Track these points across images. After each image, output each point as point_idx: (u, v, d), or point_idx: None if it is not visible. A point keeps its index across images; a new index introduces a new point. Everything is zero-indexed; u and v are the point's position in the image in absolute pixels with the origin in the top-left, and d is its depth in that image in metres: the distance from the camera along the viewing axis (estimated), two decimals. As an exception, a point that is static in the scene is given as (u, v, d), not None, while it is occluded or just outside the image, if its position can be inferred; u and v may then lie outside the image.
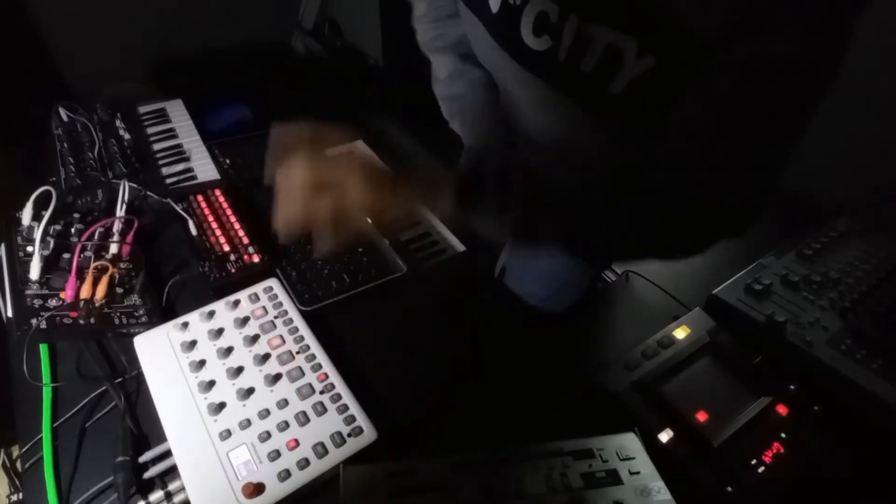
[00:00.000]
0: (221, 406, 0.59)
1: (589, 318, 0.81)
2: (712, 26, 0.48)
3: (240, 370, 0.63)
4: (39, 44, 1.52)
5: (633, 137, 0.59)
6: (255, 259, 0.78)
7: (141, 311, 0.69)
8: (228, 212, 0.84)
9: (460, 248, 0.91)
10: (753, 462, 0.57)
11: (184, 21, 1.65)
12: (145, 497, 0.54)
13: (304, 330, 0.68)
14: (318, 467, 0.55)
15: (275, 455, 0.56)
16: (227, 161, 1.00)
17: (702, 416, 0.60)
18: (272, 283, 0.73)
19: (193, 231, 0.81)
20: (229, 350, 0.65)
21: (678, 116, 0.53)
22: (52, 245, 0.72)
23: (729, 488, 0.54)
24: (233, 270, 0.76)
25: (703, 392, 0.63)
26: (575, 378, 0.66)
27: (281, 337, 0.67)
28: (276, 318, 0.69)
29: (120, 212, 0.80)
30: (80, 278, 0.69)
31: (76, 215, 0.78)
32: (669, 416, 0.60)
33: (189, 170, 0.96)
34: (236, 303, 0.70)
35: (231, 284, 0.73)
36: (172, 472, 0.56)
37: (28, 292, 0.67)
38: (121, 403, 0.60)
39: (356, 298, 0.78)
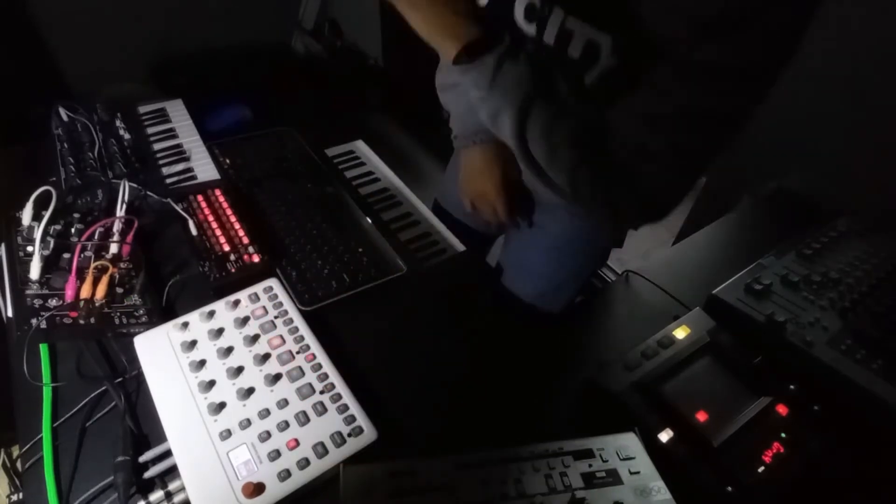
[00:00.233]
0: (221, 406, 0.59)
1: (589, 318, 0.81)
2: (671, 31, 0.54)
3: (240, 370, 0.63)
4: (39, 44, 1.52)
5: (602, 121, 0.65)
6: (255, 259, 0.78)
7: (141, 311, 0.69)
8: (228, 212, 0.84)
9: (460, 247, 0.91)
10: (753, 462, 0.57)
11: (184, 21, 1.65)
12: (145, 497, 0.54)
13: (304, 330, 0.68)
14: (318, 467, 0.55)
15: (275, 455, 0.56)
16: (227, 161, 1.00)
17: (702, 416, 0.60)
18: (272, 283, 0.73)
19: (193, 231, 0.81)
20: (229, 350, 0.65)
21: (635, 104, 0.60)
22: (52, 245, 0.72)
23: (729, 488, 0.54)
24: (233, 270, 0.76)
25: (703, 392, 0.63)
26: (575, 378, 0.66)
27: (281, 337, 0.67)
28: (276, 318, 0.69)
29: (120, 212, 0.80)
30: (80, 278, 0.69)
31: (76, 215, 0.78)
32: (669, 416, 0.60)
33: (189, 170, 0.96)
34: (236, 303, 0.70)
35: (231, 284, 0.73)
36: (172, 471, 0.56)
37: (28, 292, 0.67)
38: (121, 403, 0.60)
39: (356, 298, 0.78)
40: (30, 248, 0.71)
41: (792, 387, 0.64)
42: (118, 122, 1.00)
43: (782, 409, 0.62)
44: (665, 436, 0.58)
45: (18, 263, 0.70)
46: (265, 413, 0.59)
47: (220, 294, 0.71)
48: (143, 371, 0.62)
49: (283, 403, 0.60)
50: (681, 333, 0.69)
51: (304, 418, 0.59)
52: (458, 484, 0.52)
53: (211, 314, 0.68)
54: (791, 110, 1.09)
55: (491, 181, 0.90)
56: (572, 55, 0.62)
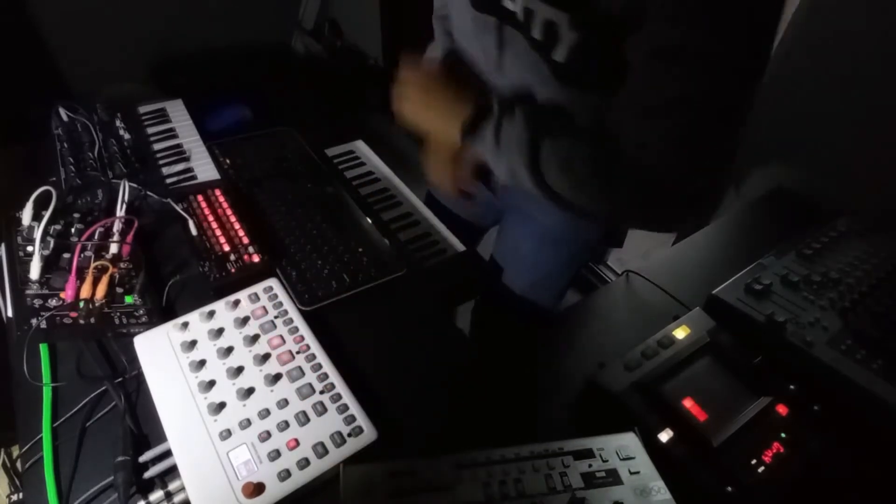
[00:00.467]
0: (221, 406, 0.59)
1: (589, 318, 0.81)
2: (621, 10, 0.56)
3: (240, 370, 0.63)
4: (39, 44, 1.52)
5: (592, 101, 0.67)
6: (255, 259, 0.78)
7: (141, 311, 0.69)
8: (228, 212, 0.84)
9: (460, 247, 0.91)
10: (753, 462, 0.57)
11: (184, 21, 1.65)
12: (145, 497, 0.54)
13: (304, 330, 0.68)
14: (318, 467, 0.55)
15: (275, 455, 0.56)
16: (227, 161, 1.00)
17: (702, 416, 0.60)
18: (272, 282, 0.73)
19: (193, 231, 0.81)
20: (229, 350, 0.65)
21: (629, 103, 0.61)
22: (52, 245, 0.72)
23: (729, 488, 0.54)
24: (233, 270, 0.76)
25: (703, 392, 0.63)
26: (575, 378, 0.66)
27: (281, 337, 0.67)
28: (276, 317, 0.69)
29: (120, 212, 0.80)
30: (80, 278, 0.69)
31: (76, 215, 0.78)
32: (669, 416, 0.60)
33: (189, 170, 0.96)
34: (236, 303, 0.70)
35: (231, 284, 0.73)
36: (172, 471, 0.56)
37: (28, 292, 0.67)
38: (121, 403, 0.60)
39: (356, 298, 0.78)
40: (30, 248, 0.71)
41: (792, 387, 0.64)
42: (118, 122, 1.00)
43: (782, 409, 0.62)
44: (665, 436, 0.58)
45: (18, 263, 0.70)
46: (265, 413, 0.59)
47: (220, 294, 0.71)
48: (143, 371, 0.62)
49: (283, 403, 0.60)
50: (681, 333, 0.69)
51: (304, 418, 0.59)
52: (458, 484, 0.52)
53: (211, 314, 0.68)
54: (791, 110, 1.09)
55: (426, 123, 0.78)
56: (535, 36, 0.64)
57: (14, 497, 0.78)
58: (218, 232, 0.81)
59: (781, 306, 0.73)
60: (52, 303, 0.67)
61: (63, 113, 0.99)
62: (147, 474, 0.55)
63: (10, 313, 0.67)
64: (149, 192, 0.87)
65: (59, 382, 0.63)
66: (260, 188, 0.94)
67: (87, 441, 0.59)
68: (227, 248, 0.79)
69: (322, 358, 0.65)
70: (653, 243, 2.16)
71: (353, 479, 0.52)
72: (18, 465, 0.58)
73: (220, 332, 0.66)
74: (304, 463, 0.55)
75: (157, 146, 1.00)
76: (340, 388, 0.62)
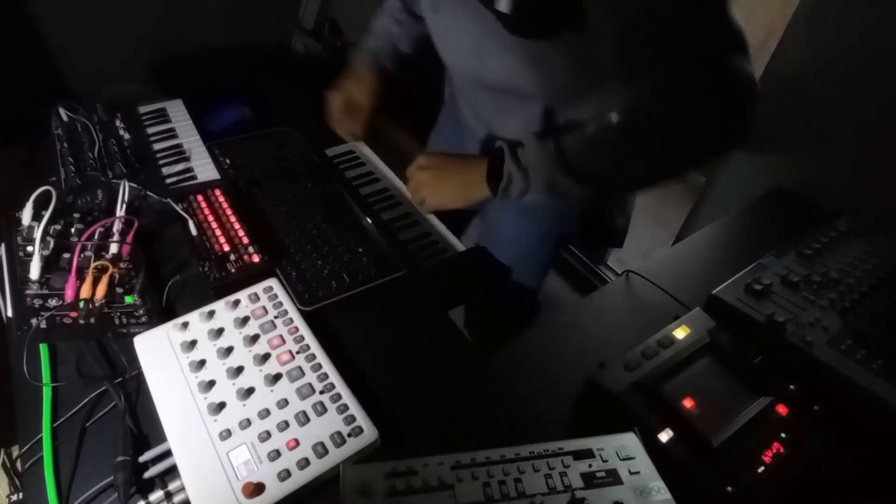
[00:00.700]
0: (221, 406, 0.59)
1: (589, 318, 0.81)
2: None
3: (240, 370, 0.63)
4: (39, 44, 1.52)
5: (551, 63, 0.72)
6: (255, 259, 0.78)
7: (141, 311, 0.69)
8: (228, 212, 0.84)
9: (460, 247, 0.91)
10: (753, 462, 0.57)
11: (184, 21, 1.65)
12: (145, 497, 0.54)
13: (304, 330, 0.68)
14: (318, 467, 0.55)
15: (275, 455, 0.56)
16: (227, 161, 1.00)
17: (702, 417, 0.60)
18: (272, 283, 0.73)
19: (193, 231, 0.81)
20: (229, 350, 0.65)
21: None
22: (52, 245, 0.72)
23: (729, 488, 0.54)
24: (233, 270, 0.76)
25: (703, 392, 0.63)
26: (575, 378, 0.66)
27: (281, 337, 0.67)
28: (276, 318, 0.69)
29: (120, 212, 0.80)
30: (80, 278, 0.69)
31: (76, 215, 0.78)
32: (669, 416, 0.60)
33: (189, 170, 0.96)
34: (236, 303, 0.70)
35: (231, 284, 0.73)
36: (172, 471, 0.56)
37: (28, 292, 0.67)
38: (121, 403, 0.60)
39: (356, 298, 0.78)
40: (30, 248, 0.71)
41: (792, 387, 0.64)
42: (118, 122, 1.00)
43: (782, 409, 0.62)
44: (665, 436, 0.58)
45: (18, 263, 0.70)
46: (265, 413, 0.59)
47: (220, 294, 0.71)
48: (143, 371, 0.62)
49: (283, 403, 0.60)
50: (681, 333, 0.69)
51: (304, 418, 0.59)
52: (458, 484, 0.52)
53: (211, 314, 0.68)
54: (791, 110, 1.09)
55: (453, 200, 0.87)
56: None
57: (14, 497, 0.78)
58: (218, 232, 0.81)
59: (781, 306, 0.73)
60: (52, 303, 0.67)
61: (63, 113, 0.99)
62: (147, 474, 0.55)
63: (10, 313, 0.67)
64: (149, 192, 0.87)
65: (59, 382, 0.63)
66: (260, 188, 0.95)
67: (87, 441, 0.59)
68: (227, 248, 0.79)
69: (322, 358, 0.65)
70: (653, 243, 2.16)
71: (353, 479, 0.52)
72: (18, 465, 0.58)
73: (220, 332, 0.66)
74: (304, 463, 0.55)
75: (157, 146, 1.00)
76: (340, 388, 0.62)
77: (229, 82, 1.10)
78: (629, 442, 0.57)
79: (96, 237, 0.76)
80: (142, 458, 0.56)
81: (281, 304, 0.71)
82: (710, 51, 0.64)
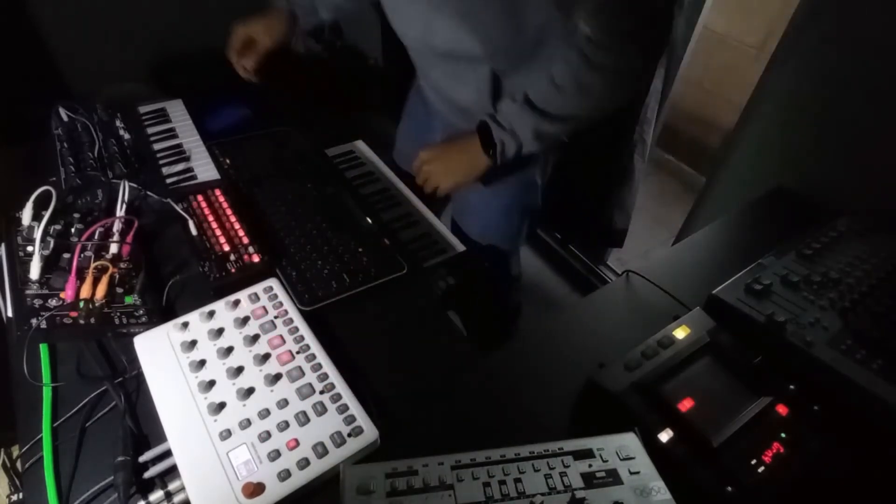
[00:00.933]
0: (221, 406, 0.59)
1: (589, 318, 0.81)
2: None
3: (240, 370, 0.63)
4: (39, 44, 1.52)
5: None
6: (255, 259, 0.78)
7: (141, 311, 0.69)
8: (228, 212, 0.84)
9: (460, 247, 0.91)
10: (753, 462, 0.57)
11: (184, 21, 1.65)
12: (145, 497, 0.54)
13: (304, 330, 0.68)
14: (318, 467, 0.55)
15: (275, 455, 0.56)
16: (227, 161, 1.00)
17: (702, 416, 0.60)
18: (272, 283, 0.73)
19: (193, 231, 0.81)
20: (229, 350, 0.65)
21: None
22: (52, 245, 0.72)
23: (729, 488, 0.54)
24: (233, 270, 0.76)
25: (703, 392, 0.63)
26: (575, 378, 0.66)
27: (281, 337, 0.67)
28: (276, 318, 0.69)
29: (120, 212, 0.80)
30: (80, 278, 0.69)
31: (76, 215, 0.78)
32: (669, 416, 0.60)
33: (189, 170, 0.96)
34: (236, 303, 0.70)
35: (231, 284, 0.73)
36: (172, 471, 0.56)
37: (28, 292, 0.67)
38: (121, 403, 0.60)
39: (356, 298, 0.78)
40: (30, 248, 0.71)
41: (792, 387, 0.64)
42: (118, 122, 1.00)
43: (782, 409, 0.62)
44: (665, 436, 0.58)
45: (18, 263, 0.70)
46: (265, 413, 0.59)
47: (220, 294, 0.71)
48: (143, 371, 0.62)
49: (283, 403, 0.60)
50: (681, 333, 0.69)
51: (304, 418, 0.59)
52: (458, 484, 0.52)
53: (211, 314, 0.68)
54: (791, 110, 1.09)
55: (464, 176, 0.94)
56: None
57: (14, 497, 0.78)
58: (218, 232, 0.81)
59: (781, 306, 0.73)
60: (52, 303, 0.67)
61: (63, 113, 0.99)
62: (147, 474, 0.55)
63: (10, 313, 0.67)
64: (149, 192, 0.87)
65: (59, 382, 0.63)
66: (260, 188, 0.95)
67: (87, 441, 0.59)
68: (227, 248, 0.79)
69: (322, 358, 0.65)
70: (653, 243, 2.16)
71: (353, 479, 0.52)
72: (18, 465, 0.58)
73: (220, 332, 0.66)
74: (304, 463, 0.55)
75: (157, 146, 1.00)
76: (340, 388, 0.62)
77: (229, 82, 1.10)
78: (629, 442, 0.57)
79: (96, 237, 0.76)
80: (142, 458, 0.56)
81: (281, 304, 0.71)
82: None
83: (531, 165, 1.04)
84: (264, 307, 0.70)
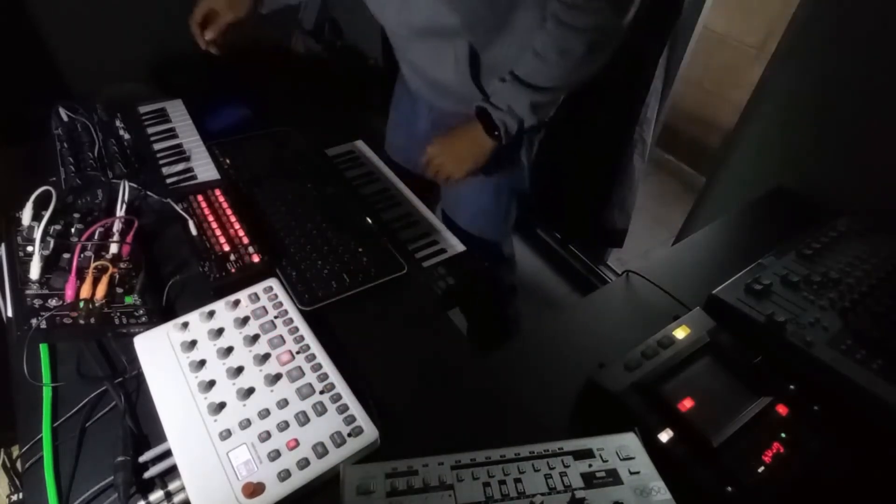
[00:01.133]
0: (221, 406, 0.59)
1: (589, 318, 0.81)
2: None
3: (240, 370, 0.63)
4: (39, 44, 1.51)
5: None
6: (255, 259, 0.78)
7: (141, 311, 0.69)
8: (228, 212, 0.84)
9: (460, 248, 0.91)
10: (753, 462, 0.57)
11: (184, 21, 1.65)
12: (145, 497, 0.54)
13: (304, 330, 0.68)
14: (318, 467, 0.55)
15: (275, 455, 0.56)
16: (227, 161, 1.00)
17: (702, 416, 0.60)
18: (272, 283, 0.73)
19: (193, 231, 0.81)
20: (229, 350, 0.65)
21: None
22: (52, 245, 0.72)
23: (729, 488, 0.54)
24: (233, 270, 0.76)
25: (703, 392, 0.63)
26: (575, 378, 0.66)
27: (281, 337, 0.67)
28: (276, 318, 0.69)
29: (120, 212, 0.80)
30: (80, 278, 0.69)
31: (76, 215, 0.78)
32: (669, 416, 0.60)
33: (189, 170, 0.96)
34: (236, 303, 0.70)
35: (231, 284, 0.73)
36: (172, 471, 0.56)
37: (28, 292, 0.67)
38: (121, 403, 0.60)
39: (356, 298, 0.78)
40: (30, 248, 0.71)
41: (792, 387, 0.64)
42: (118, 122, 1.00)
43: (782, 409, 0.62)
44: (665, 436, 0.58)
45: (18, 263, 0.70)
46: (265, 413, 0.59)
47: (220, 294, 0.71)
48: (143, 371, 0.62)
49: (283, 403, 0.60)
50: (681, 333, 0.69)
51: (304, 418, 0.59)
52: (458, 484, 0.52)
53: (211, 314, 0.68)
54: (791, 110, 1.09)
55: (474, 161, 0.97)
56: None
57: (14, 497, 0.78)
58: (218, 232, 0.81)
59: (781, 306, 0.73)
60: (52, 303, 0.67)
61: (63, 113, 0.99)
62: (147, 474, 0.55)
63: (10, 313, 0.67)
64: (149, 192, 0.87)
65: (59, 382, 0.63)
66: (260, 188, 0.94)
67: (87, 441, 0.59)
68: (227, 248, 0.79)
69: (322, 358, 0.65)
70: (653, 243, 2.16)
71: (353, 479, 0.52)
72: (18, 465, 0.58)
73: (220, 332, 0.66)
74: (304, 463, 0.55)
75: (157, 146, 1.00)
76: (340, 388, 0.62)
77: (229, 82, 1.10)
78: (629, 442, 0.57)
79: (96, 237, 0.76)
80: (142, 458, 0.56)
81: (281, 304, 0.71)
82: None
83: (516, 147, 1.06)
84: (264, 307, 0.70)
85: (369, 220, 0.90)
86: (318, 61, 1.95)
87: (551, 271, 2.06)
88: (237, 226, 0.82)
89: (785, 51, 1.07)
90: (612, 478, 0.54)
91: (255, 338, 0.66)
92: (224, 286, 0.74)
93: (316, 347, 0.66)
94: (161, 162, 0.96)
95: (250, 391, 0.61)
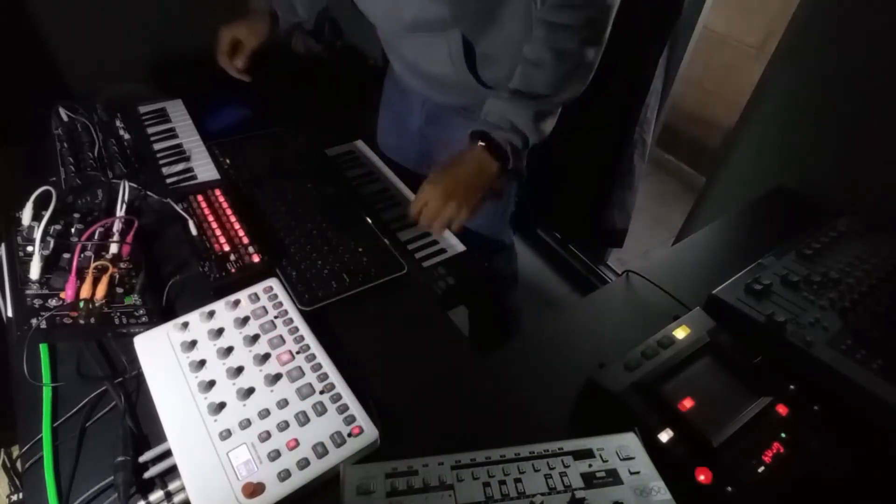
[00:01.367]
0: (221, 406, 0.59)
1: (589, 318, 0.81)
2: None
3: (240, 370, 0.63)
4: (39, 44, 1.52)
5: None
6: (255, 259, 0.78)
7: (141, 311, 0.69)
8: (228, 212, 0.84)
9: (460, 248, 0.91)
10: (753, 462, 0.57)
11: (184, 21, 1.65)
12: (145, 497, 0.54)
13: (304, 330, 0.68)
14: (318, 467, 0.55)
15: (275, 455, 0.56)
16: (227, 161, 1.00)
17: (702, 416, 0.60)
18: (272, 283, 0.73)
19: (193, 231, 0.81)
20: (229, 350, 0.65)
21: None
22: (52, 245, 0.72)
23: (729, 488, 0.54)
24: (233, 270, 0.76)
25: (703, 392, 0.63)
26: (575, 378, 0.66)
27: (281, 337, 0.67)
28: (276, 318, 0.69)
29: (120, 212, 0.80)
30: (80, 278, 0.69)
31: (76, 215, 0.78)
32: (669, 416, 0.60)
33: (189, 170, 0.96)
34: (236, 303, 0.70)
35: (231, 284, 0.73)
36: (172, 472, 0.56)
37: (28, 292, 0.67)
38: (121, 403, 0.60)
39: (356, 298, 0.78)
40: (30, 248, 0.71)
41: (792, 387, 0.64)
42: (118, 122, 1.00)
43: (782, 409, 0.62)
44: (665, 436, 0.58)
45: (18, 263, 0.70)
46: (265, 413, 0.59)
47: (220, 294, 0.71)
48: (143, 371, 0.62)
49: (283, 403, 0.60)
50: (681, 333, 0.69)
51: (304, 418, 0.59)
52: (458, 484, 0.52)
53: (211, 314, 0.68)
54: (791, 110, 1.09)
55: (482, 193, 0.83)
56: None
57: (14, 497, 0.78)
58: (218, 232, 0.81)
59: (781, 306, 0.73)
60: (52, 303, 0.67)
61: (63, 113, 0.99)
62: (147, 474, 0.55)
63: (10, 313, 0.67)
64: (149, 192, 0.87)
65: (59, 382, 0.63)
66: (260, 188, 0.94)
67: (87, 441, 0.59)
68: (227, 248, 0.79)
69: (322, 358, 0.65)
70: (653, 243, 2.16)
71: (353, 479, 0.52)
72: (18, 465, 0.58)
73: (220, 332, 0.66)
74: (304, 463, 0.55)
75: (157, 146, 1.00)
76: (340, 388, 0.62)
77: (229, 82, 1.10)
78: (629, 442, 0.57)
79: (96, 237, 0.76)
80: (142, 458, 0.56)
81: (281, 304, 0.71)
82: None
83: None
84: (264, 307, 0.70)
85: (369, 220, 0.90)
86: (318, 61, 1.95)
87: (551, 271, 2.07)
88: (237, 226, 0.82)
89: (785, 51, 1.07)
90: (612, 478, 0.54)
91: (255, 338, 0.66)
92: (224, 286, 0.74)
93: (316, 347, 0.66)
94: (161, 162, 0.96)
95: (250, 391, 0.61)
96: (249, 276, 0.75)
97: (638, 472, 0.55)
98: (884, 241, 0.85)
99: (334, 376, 0.63)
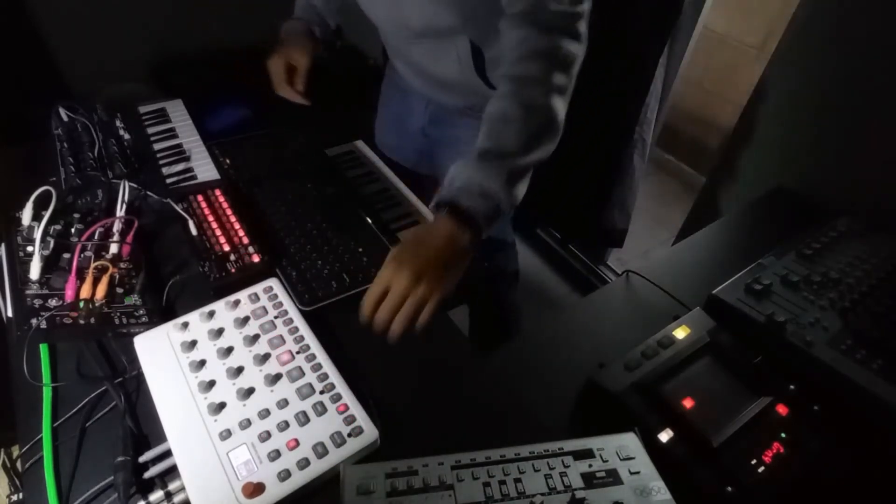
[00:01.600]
0: (221, 406, 0.59)
1: (589, 318, 0.81)
2: None
3: (240, 370, 0.63)
4: (39, 44, 1.52)
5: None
6: (255, 259, 0.78)
7: (141, 311, 0.69)
8: (228, 212, 0.84)
9: (460, 248, 0.91)
10: (753, 462, 0.57)
11: (184, 21, 1.65)
12: (145, 497, 0.54)
13: (304, 330, 0.68)
14: (318, 467, 0.55)
15: (275, 455, 0.56)
16: (227, 161, 1.00)
17: (702, 416, 0.60)
18: (272, 283, 0.73)
19: (193, 231, 0.81)
20: (229, 350, 0.65)
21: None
22: (52, 245, 0.72)
23: (729, 488, 0.54)
24: (233, 270, 0.76)
25: (703, 392, 0.63)
26: (575, 378, 0.66)
27: (281, 337, 0.67)
28: (276, 318, 0.69)
29: (120, 212, 0.80)
30: (80, 278, 0.69)
31: (76, 215, 0.78)
32: (669, 416, 0.60)
33: (189, 170, 0.96)
34: (236, 303, 0.70)
35: (231, 284, 0.73)
36: (172, 472, 0.56)
37: (28, 292, 0.67)
38: (121, 403, 0.60)
39: (356, 298, 0.77)
40: (30, 248, 0.71)
41: (792, 387, 0.64)
42: (118, 122, 1.00)
43: (782, 409, 0.62)
44: (665, 436, 0.58)
45: (18, 263, 0.70)
46: (265, 413, 0.59)
47: (220, 294, 0.71)
48: (143, 371, 0.62)
49: (283, 403, 0.60)
50: (681, 333, 0.69)
51: (304, 418, 0.59)
52: (458, 484, 0.52)
53: (211, 314, 0.68)
54: (791, 110, 1.09)
55: (457, 271, 0.70)
56: None
57: (14, 497, 0.78)
58: (218, 232, 0.81)
59: (781, 306, 0.73)
60: (52, 303, 0.67)
61: (63, 113, 0.99)
62: (147, 474, 0.55)
63: (10, 313, 0.67)
64: (149, 192, 0.87)
65: (59, 382, 0.63)
66: (260, 188, 0.94)
67: (87, 441, 0.59)
68: (227, 248, 0.79)
69: (322, 358, 0.65)
70: (653, 243, 2.16)
71: (353, 479, 0.52)
72: (18, 465, 0.58)
73: (220, 332, 0.66)
74: (304, 463, 0.55)
75: (157, 146, 1.00)
76: (340, 388, 0.62)
77: (229, 82, 1.10)
78: (629, 442, 0.57)
79: (96, 237, 0.76)
80: (142, 458, 0.56)
81: (281, 304, 0.71)
82: None
83: None
84: (264, 307, 0.70)
85: (369, 220, 0.90)
86: (319, 61, 1.95)
87: (551, 271, 2.07)
88: (237, 226, 0.82)
89: (785, 51, 1.07)
90: (612, 478, 0.54)
91: (255, 338, 0.66)
92: (224, 286, 0.74)
93: (316, 347, 0.66)
94: (161, 162, 0.96)
95: (250, 391, 0.61)
96: (249, 276, 0.75)
97: (638, 472, 0.55)
98: (884, 241, 0.85)
99: (334, 376, 0.63)
